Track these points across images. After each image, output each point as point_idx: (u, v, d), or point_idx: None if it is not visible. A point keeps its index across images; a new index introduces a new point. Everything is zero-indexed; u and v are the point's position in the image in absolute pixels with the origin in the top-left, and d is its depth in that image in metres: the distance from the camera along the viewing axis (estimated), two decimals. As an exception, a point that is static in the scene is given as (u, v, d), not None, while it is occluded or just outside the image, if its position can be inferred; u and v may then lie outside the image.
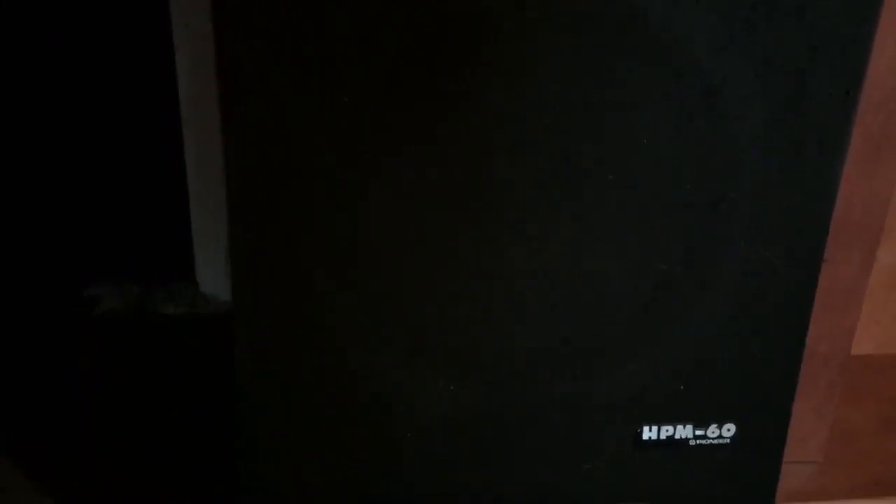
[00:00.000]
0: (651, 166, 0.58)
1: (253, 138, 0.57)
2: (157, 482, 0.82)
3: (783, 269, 0.61)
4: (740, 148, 0.57)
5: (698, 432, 0.65)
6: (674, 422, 0.64)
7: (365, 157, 0.57)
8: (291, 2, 0.53)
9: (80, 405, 0.91)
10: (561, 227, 0.59)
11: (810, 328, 0.74)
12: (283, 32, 0.54)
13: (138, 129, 1.05)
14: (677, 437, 0.65)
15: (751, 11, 0.54)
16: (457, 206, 0.58)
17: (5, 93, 1.02)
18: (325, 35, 0.54)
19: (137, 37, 1.01)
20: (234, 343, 0.79)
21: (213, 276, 1.10)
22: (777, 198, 0.59)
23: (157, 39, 0.98)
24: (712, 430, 0.65)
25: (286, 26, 0.54)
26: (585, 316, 0.62)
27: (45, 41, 1.00)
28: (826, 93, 0.56)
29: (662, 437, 0.65)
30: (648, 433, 0.65)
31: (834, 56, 0.55)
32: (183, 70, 1.00)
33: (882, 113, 0.70)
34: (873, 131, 0.71)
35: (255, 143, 0.57)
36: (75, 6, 0.99)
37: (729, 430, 0.65)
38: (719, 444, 0.65)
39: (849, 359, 0.80)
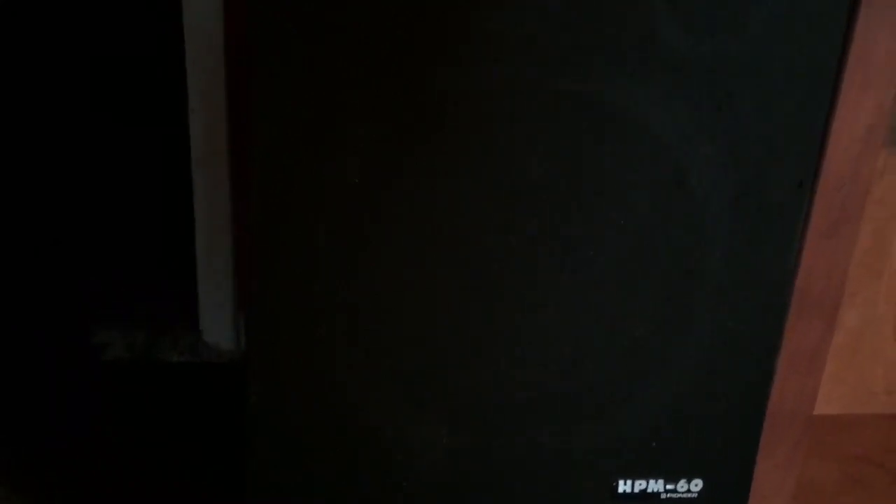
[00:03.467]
0: (627, 241, 0.64)
1: (276, 211, 0.63)
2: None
3: (747, 335, 0.67)
4: (706, 227, 0.64)
5: (669, 486, 0.70)
6: (647, 476, 0.70)
7: (371, 226, 0.63)
8: (310, 58, 0.59)
9: (88, 447, 0.94)
10: (547, 294, 0.65)
11: (776, 388, 0.79)
12: (302, 100, 0.60)
13: (148, 185, 1.09)
14: (650, 490, 0.70)
15: (716, 108, 0.61)
16: (453, 274, 0.64)
17: (21, 151, 1.06)
18: (335, 113, 0.60)
19: (152, 94, 1.05)
20: (234, 389, 0.84)
21: (215, 325, 1.13)
22: (740, 271, 0.65)
23: (172, 101, 1.03)
24: (682, 485, 0.70)
25: (305, 90, 0.60)
26: (567, 375, 0.67)
27: (61, 89, 1.04)
28: (782, 182, 0.63)
29: (636, 490, 0.70)
30: (623, 486, 0.70)
31: (788, 152, 0.62)
32: (196, 129, 1.05)
33: (839, 195, 0.76)
34: (832, 211, 0.77)
35: (275, 219, 0.63)
36: (92, 56, 1.04)
37: (697, 484, 0.70)
38: (688, 498, 0.71)
39: (813, 417, 0.84)
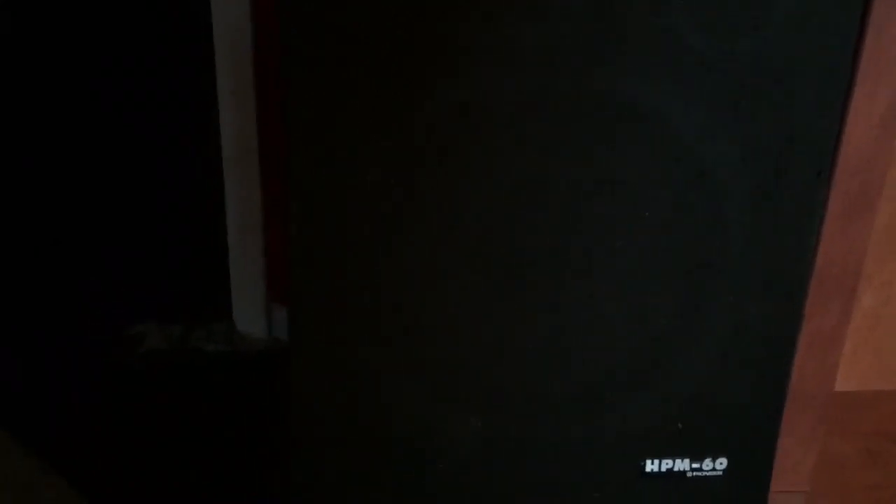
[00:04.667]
0: (650, 234, 0.66)
1: (311, 221, 0.65)
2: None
3: (768, 322, 0.69)
4: (726, 220, 0.66)
5: (694, 465, 0.73)
6: (673, 456, 0.72)
7: (403, 223, 0.66)
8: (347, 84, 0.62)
9: (126, 437, 0.97)
10: (573, 286, 0.68)
11: (796, 368, 0.81)
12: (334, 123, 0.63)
13: (182, 182, 1.11)
14: (676, 469, 0.73)
15: (735, 105, 0.63)
16: (483, 270, 0.67)
17: (59, 148, 1.08)
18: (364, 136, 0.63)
19: (185, 92, 1.07)
20: (266, 376, 0.86)
21: (248, 315, 1.16)
22: (759, 261, 0.67)
23: (204, 98, 1.05)
24: (707, 464, 0.73)
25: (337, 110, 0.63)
26: (594, 363, 0.70)
27: (95, 88, 1.05)
28: (801, 173, 0.65)
29: (663, 469, 0.73)
30: (651, 466, 0.73)
31: (807, 143, 0.64)
32: (226, 125, 1.07)
33: (857, 179, 0.78)
34: (850, 195, 0.79)
35: (313, 225, 0.66)
36: (126, 63, 1.05)
37: (721, 463, 0.73)
38: (713, 476, 0.73)
39: (834, 395, 0.87)
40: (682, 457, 0.72)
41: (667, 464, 0.72)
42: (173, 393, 1.05)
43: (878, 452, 0.94)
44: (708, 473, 0.73)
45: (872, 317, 1.01)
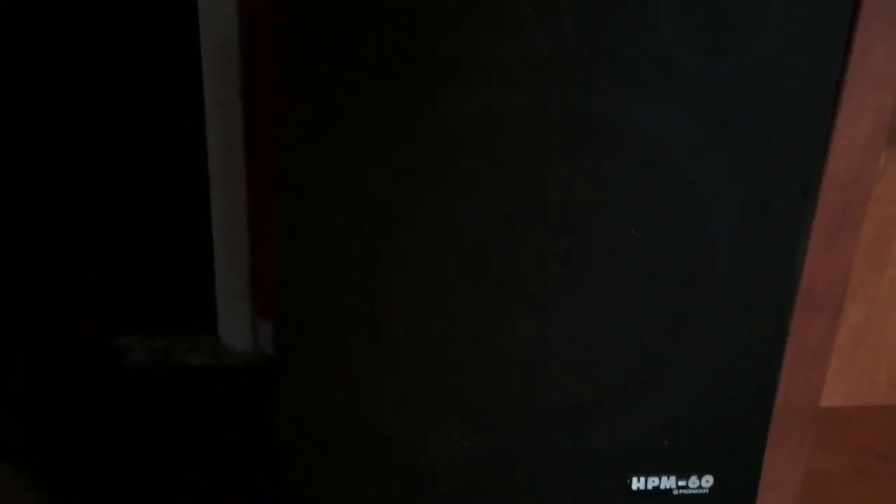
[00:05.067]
0: (639, 251, 0.66)
1: (302, 235, 0.65)
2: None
3: (754, 338, 0.69)
4: (713, 237, 0.66)
5: (681, 483, 0.73)
6: (659, 473, 0.72)
7: (393, 238, 0.66)
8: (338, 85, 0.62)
9: (110, 449, 0.97)
10: (562, 303, 0.68)
11: (782, 384, 0.81)
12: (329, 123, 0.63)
13: (167, 195, 1.11)
14: (662, 487, 0.73)
15: (723, 123, 0.63)
16: (472, 285, 0.67)
17: (42, 160, 1.08)
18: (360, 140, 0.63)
19: (171, 100, 1.07)
20: (252, 390, 0.86)
21: (234, 329, 1.16)
22: (746, 278, 0.67)
23: (190, 104, 1.05)
24: (693, 481, 0.73)
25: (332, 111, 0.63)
26: (582, 380, 0.70)
27: (80, 99, 1.06)
28: (787, 192, 0.65)
29: (649, 487, 0.72)
30: (637, 483, 0.72)
31: (793, 162, 0.64)
32: (213, 137, 1.07)
33: (842, 195, 0.78)
34: (835, 211, 0.79)
35: (304, 239, 0.65)
36: (108, 66, 1.05)
37: (708, 480, 0.73)
38: (699, 494, 0.73)
39: (820, 410, 0.87)
40: (669, 474, 0.72)
41: (653, 481, 0.72)
42: (157, 406, 1.05)
43: (865, 468, 0.95)
44: (694, 491, 0.73)
45: (858, 332, 1.02)
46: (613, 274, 0.67)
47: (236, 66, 1.03)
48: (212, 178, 1.09)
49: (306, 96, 0.62)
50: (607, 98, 0.62)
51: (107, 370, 1.10)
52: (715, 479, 0.73)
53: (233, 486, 0.91)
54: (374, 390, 0.70)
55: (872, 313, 1.01)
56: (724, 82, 0.62)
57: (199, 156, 1.07)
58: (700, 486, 0.73)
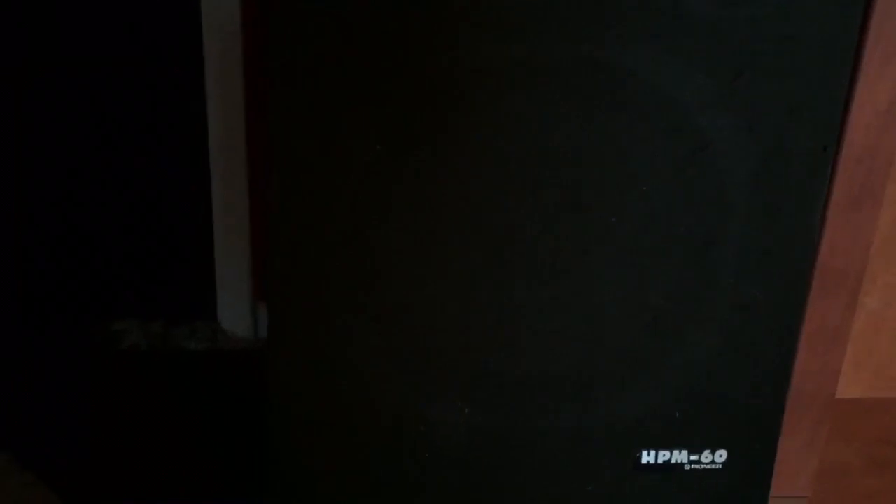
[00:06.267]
0: (648, 212, 0.64)
1: (294, 203, 0.63)
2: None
3: (769, 304, 0.66)
4: (728, 196, 0.63)
5: (693, 457, 0.70)
6: (670, 447, 0.69)
7: (389, 212, 0.63)
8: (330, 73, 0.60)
9: (107, 434, 0.95)
10: (567, 267, 0.65)
11: (798, 369, 0.78)
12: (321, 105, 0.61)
13: (167, 178, 1.10)
14: (673, 461, 0.70)
15: (737, 74, 0.61)
16: (472, 248, 0.64)
17: (41, 142, 1.07)
18: (354, 101, 0.61)
19: (171, 89, 1.06)
20: (251, 376, 0.84)
21: (232, 313, 1.14)
22: (762, 240, 0.65)
23: (191, 93, 1.04)
24: (706, 456, 0.70)
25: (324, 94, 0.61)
26: (589, 348, 0.67)
27: (81, 85, 1.05)
28: (805, 148, 0.62)
29: (660, 461, 0.69)
30: (647, 458, 0.69)
31: (812, 116, 0.62)
32: (213, 122, 1.06)
33: (862, 168, 0.76)
34: (854, 184, 0.77)
35: (296, 206, 0.63)
36: (114, 62, 1.05)
37: (721, 455, 0.70)
38: (712, 469, 0.70)
39: (837, 401, 0.84)
40: (680, 448, 0.69)
41: (664, 455, 0.69)
42: (154, 392, 1.03)
43: (881, 459, 0.92)
44: (707, 466, 0.70)
45: (877, 320, 0.99)
46: (622, 234, 0.64)
47: (238, 50, 1.02)
48: (212, 162, 1.08)
49: (298, 52, 0.59)
50: (616, 48, 0.60)
51: (103, 354, 1.08)
52: (729, 454, 0.70)
53: (231, 472, 0.89)
54: (371, 362, 0.67)
55: (891, 302, 0.99)
56: (739, 31, 0.60)
57: (198, 139, 1.05)
58: (713, 461, 0.70)
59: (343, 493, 0.71)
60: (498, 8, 0.59)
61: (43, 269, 1.12)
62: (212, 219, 1.10)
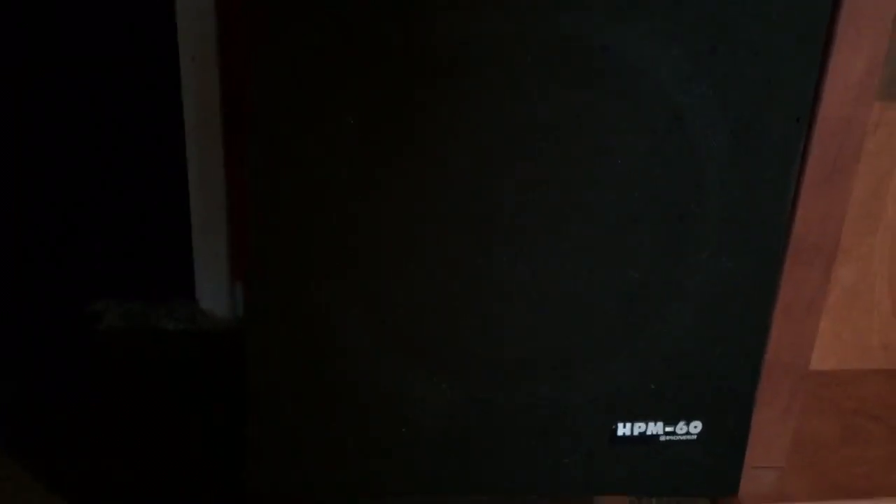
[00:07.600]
0: (623, 184, 0.64)
1: (272, 174, 0.63)
2: (159, 490, 0.85)
3: (744, 277, 0.67)
4: (703, 168, 0.64)
5: (668, 429, 0.70)
6: (646, 419, 0.70)
7: (370, 186, 0.63)
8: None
9: (84, 415, 0.94)
10: (542, 241, 0.65)
11: (772, 340, 0.79)
12: (301, 80, 0.60)
13: (143, 155, 1.09)
14: (649, 433, 0.70)
15: (711, 47, 0.61)
16: (449, 224, 0.64)
17: (18, 127, 1.06)
18: (336, 73, 0.60)
19: (145, 64, 1.05)
20: (232, 356, 0.83)
21: (211, 293, 1.13)
22: (737, 212, 0.65)
23: (165, 68, 1.03)
24: (681, 427, 0.71)
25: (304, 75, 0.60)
26: (564, 322, 0.68)
27: (53, 62, 1.04)
28: (780, 119, 0.63)
29: (635, 433, 0.70)
30: (623, 430, 0.70)
31: (786, 87, 0.62)
32: (189, 97, 1.05)
33: (834, 142, 0.76)
34: (828, 158, 0.77)
35: (275, 178, 0.63)
36: (87, 35, 1.04)
37: (696, 426, 0.71)
38: (687, 440, 0.71)
39: (812, 373, 0.85)
40: (656, 420, 0.70)
41: (639, 427, 0.70)
42: (132, 373, 1.02)
43: (856, 430, 0.93)
44: (682, 437, 0.71)
45: (851, 293, 0.99)
46: (597, 208, 0.64)
47: (213, 25, 1.01)
48: (188, 139, 1.07)
49: (275, 26, 0.59)
50: (588, 20, 0.60)
51: (79, 336, 1.07)
52: (703, 425, 0.70)
53: (211, 454, 0.89)
54: (350, 339, 0.67)
55: (865, 274, 0.99)
56: (713, 4, 0.60)
57: (174, 116, 1.04)
58: (688, 433, 0.71)
59: (322, 469, 0.71)
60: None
61: (17, 249, 1.11)
62: (188, 196, 1.09)
